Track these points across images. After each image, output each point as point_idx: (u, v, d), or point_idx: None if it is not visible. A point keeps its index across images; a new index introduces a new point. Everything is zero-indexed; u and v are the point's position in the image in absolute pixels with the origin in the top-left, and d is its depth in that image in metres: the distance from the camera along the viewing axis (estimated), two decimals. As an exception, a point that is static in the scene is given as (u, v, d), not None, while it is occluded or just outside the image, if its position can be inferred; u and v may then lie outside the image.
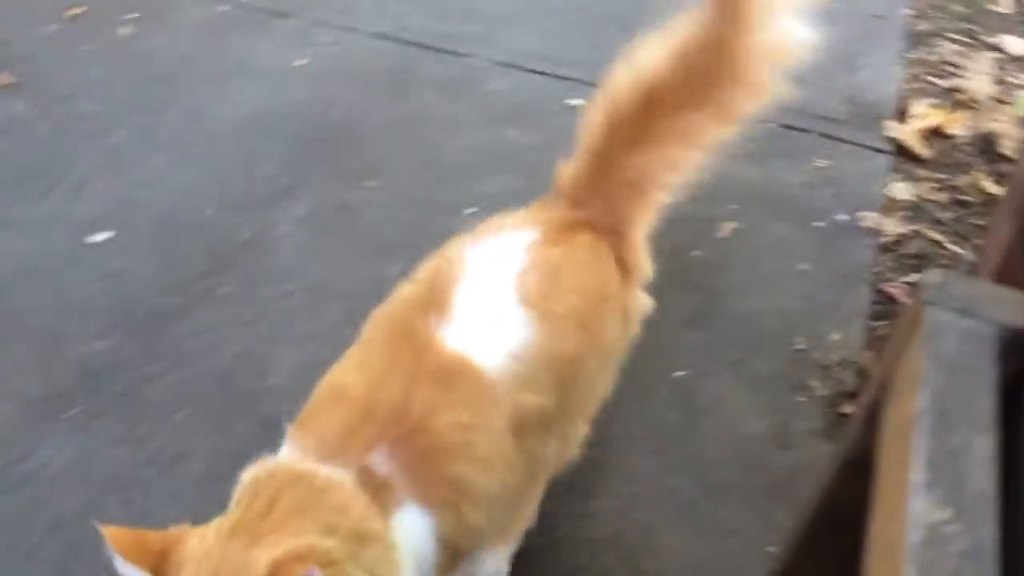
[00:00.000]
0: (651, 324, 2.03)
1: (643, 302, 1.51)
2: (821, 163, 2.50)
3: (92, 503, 1.68)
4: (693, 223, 2.27)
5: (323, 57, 2.96)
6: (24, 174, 2.48)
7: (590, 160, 1.41)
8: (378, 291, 2.10)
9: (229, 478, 1.74)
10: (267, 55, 2.95)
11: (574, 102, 2.75)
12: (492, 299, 1.26)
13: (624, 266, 1.42)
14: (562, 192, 1.44)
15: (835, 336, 1.98)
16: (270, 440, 1.78)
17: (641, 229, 1.45)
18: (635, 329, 1.51)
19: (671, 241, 2.22)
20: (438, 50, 2.99)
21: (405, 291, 1.34)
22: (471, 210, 2.37)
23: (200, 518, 1.63)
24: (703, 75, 1.33)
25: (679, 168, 1.41)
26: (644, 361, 1.93)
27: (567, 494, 1.65)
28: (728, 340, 1.98)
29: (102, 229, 2.30)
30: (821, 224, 2.29)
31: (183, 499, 1.69)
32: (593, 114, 1.40)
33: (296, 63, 2.92)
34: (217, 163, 2.53)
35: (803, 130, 2.60)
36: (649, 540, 1.61)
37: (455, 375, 1.19)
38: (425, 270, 1.35)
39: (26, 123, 2.67)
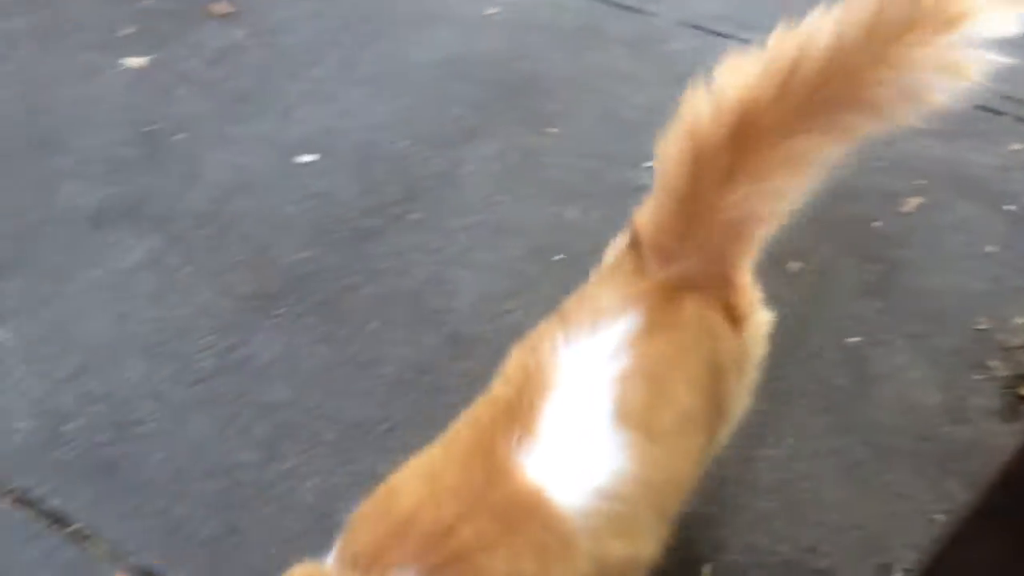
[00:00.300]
0: (826, 291, 2.04)
1: (761, 327, 1.30)
2: (1016, 146, 2.39)
3: (297, 392, 1.84)
4: (876, 194, 2.24)
5: (514, 8, 3.03)
6: (240, 97, 2.67)
7: (676, 203, 1.17)
8: (555, 232, 2.21)
9: (416, 385, 1.88)
10: (461, 4, 3.05)
11: (759, 67, 2.73)
12: (584, 417, 1.07)
13: (735, 314, 1.23)
14: (648, 244, 1.20)
15: (1019, 320, 1.92)
16: (454, 355, 1.92)
17: (748, 266, 1.26)
18: (761, 353, 1.32)
19: (852, 210, 2.20)
20: (625, 7, 3.01)
21: (496, 391, 1.17)
22: (648, 164, 2.40)
23: (391, 419, 1.78)
24: (821, 96, 1.10)
25: (789, 198, 1.18)
26: (817, 325, 1.94)
27: (734, 438, 1.68)
28: (906, 312, 1.95)
29: (308, 152, 2.46)
30: (1012, 208, 2.21)
31: (376, 398, 1.83)
32: (671, 149, 1.16)
33: (487, 12, 3.01)
34: (411, 100, 2.65)
35: (998, 112, 2.50)
36: (813, 492, 1.63)
37: (526, 513, 1.02)
38: (515, 366, 1.18)
39: (242, 50, 2.87)
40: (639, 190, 2.33)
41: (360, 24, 2.96)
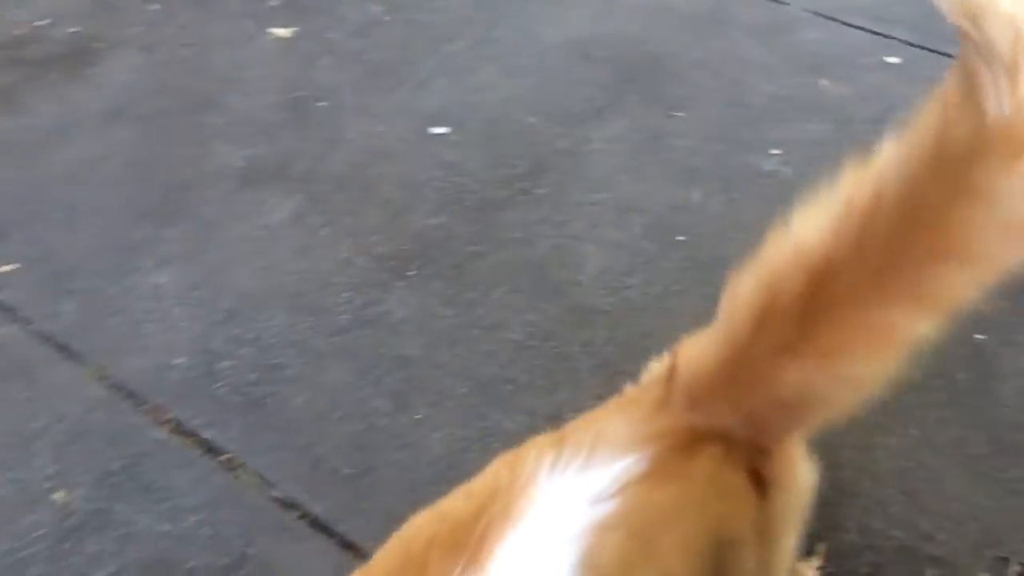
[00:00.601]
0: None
1: (800, 490, 1.07)
2: None
3: (428, 349, 1.93)
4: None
5: (644, -9, 3.05)
6: (379, 69, 2.78)
7: (729, 352, 0.97)
8: (677, 213, 2.23)
9: (539, 350, 1.94)
10: (592, -16, 3.08)
11: (892, 60, 2.67)
12: (542, 564, 0.87)
13: (763, 478, 1.01)
14: (683, 383, 1.00)
15: None
16: (576, 325, 1.97)
17: (797, 441, 1.05)
18: (799, 517, 1.11)
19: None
20: (756, -6, 2.99)
21: (451, 503, 0.95)
22: (775, 151, 2.40)
23: (515, 380, 1.85)
24: (903, 247, 0.86)
25: (863, 384, 0.94)
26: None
27: (853, 424, 1.69)
28: (1036, 313, 1.91)
29: (441, 124, 2.55)
30: None
31: (501, 359, 1.90)
32: (743, 289, 0.95)
33: (618, -6, 3.04)
34: (541, 78, 2.70)
35: None
36: (931, 482, 1.62)
37: None
38: (486, 480, 0.96)
39: (381, 25, 2.97)
40: (763, 176, 2.35)
41: (494, 3, 3.03)
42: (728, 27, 2.88)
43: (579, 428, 0.99)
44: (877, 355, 0.91)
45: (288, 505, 1.65)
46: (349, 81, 2.72)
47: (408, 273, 2.11)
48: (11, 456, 1.73)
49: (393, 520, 1.59)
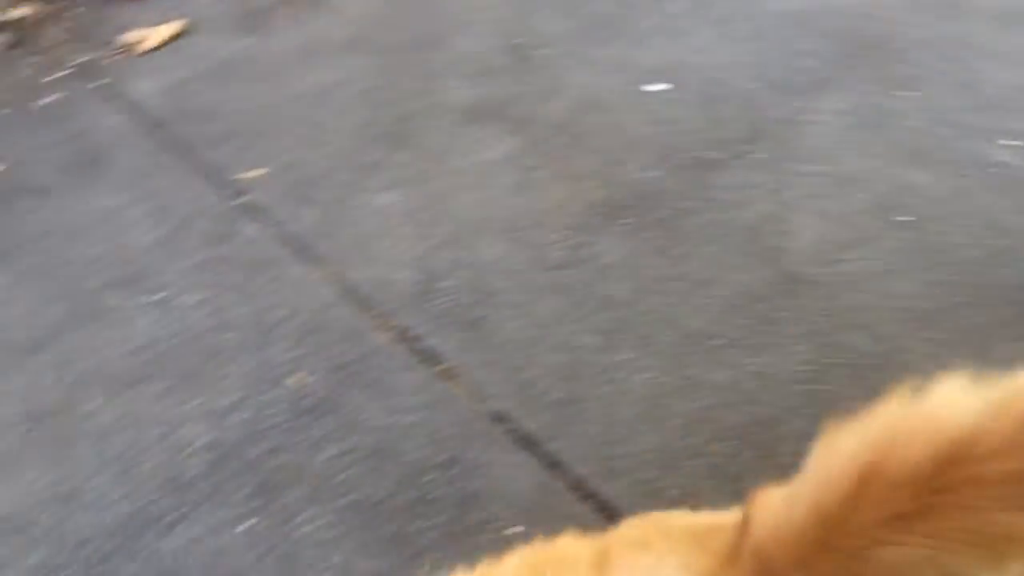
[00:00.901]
0: None
1: None
2: None
3: (636, 294, 1.96)
4: None
5: (876, -34, 2.91)
6: (599, 22, 2.80)
7: (819, 514, 0.78)
8: (901, 192, 2.15)
9: (748, 311, 1.93)
10: (821, -44, 2.98)
11: None
12: None
13: None
14: (755, 541, 0.83)
15: None
16: (786, 292, 1.95)
17: None
18: None
19: None
20: (1001, -22, 2.80)
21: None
22: (1008, 142, 2.26)
23: (722, 336, 1.85)
24: None
25: None
26: None
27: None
28: None
29: (657, 81, 2.54)
30: None
31: (708, 314, 1.90)
32: (843, 440, 0.78)
33: (847, -32, 2.92)
34: (762, 45, 2.65)
35: None
36: None
37: None
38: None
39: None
40: (993, 166, 2.22)
41: (718, -34, 2.98)
42: (964, 10, 2.72)
43: (625, 546, 0.87)
44: (994, 559, 0.76)
45: (498, 418, 1.73)
46: (568, 32, 2.76)
47: (620, 221, 2.14)
48: (255, 338, 1.89)
49: (597, 447, 1.66)
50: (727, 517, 0.90)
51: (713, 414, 1.70)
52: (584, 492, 1.58)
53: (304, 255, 2.06)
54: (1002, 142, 2.26)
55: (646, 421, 1.70)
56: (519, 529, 1.53)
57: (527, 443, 1.68)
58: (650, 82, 2.54)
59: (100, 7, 3.15)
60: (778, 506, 0.83)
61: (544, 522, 1.52)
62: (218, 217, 2.18)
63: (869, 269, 1.98)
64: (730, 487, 1.56)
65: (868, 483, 0.76)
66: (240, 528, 1.56)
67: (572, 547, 0.87)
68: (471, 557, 0.91)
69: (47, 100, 2.65)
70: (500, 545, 1.50)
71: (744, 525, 0.84)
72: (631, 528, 0.90)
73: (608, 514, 1.54)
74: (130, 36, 2.84)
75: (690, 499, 1.54)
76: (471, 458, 1.66)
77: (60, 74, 2.77)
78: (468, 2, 2.90)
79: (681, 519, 0.94)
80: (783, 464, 0.79)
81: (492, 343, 1.87)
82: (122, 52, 2.81)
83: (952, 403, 0.74)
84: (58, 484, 1.64)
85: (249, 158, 2.33)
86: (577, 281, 2.00)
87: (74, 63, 2.82)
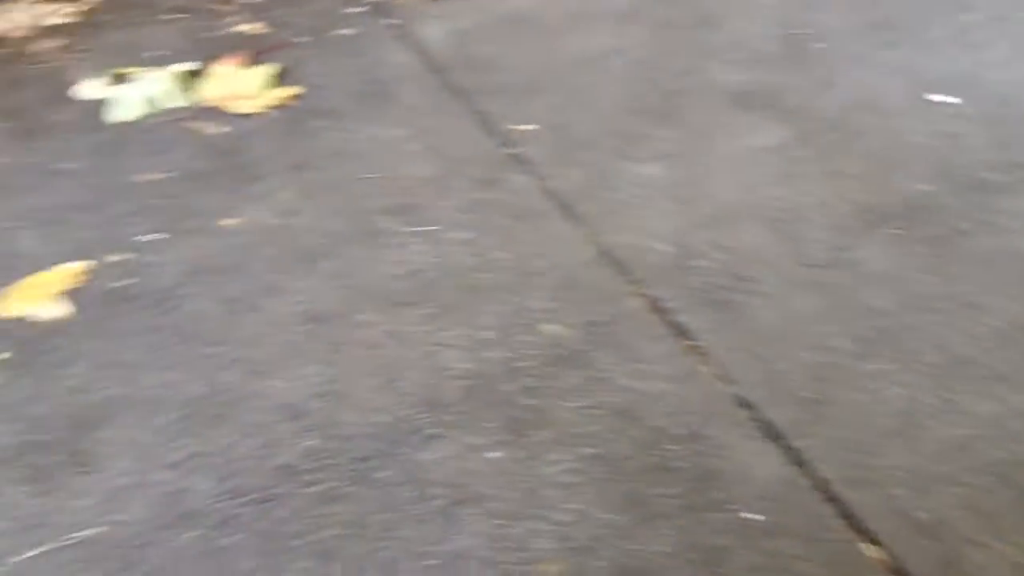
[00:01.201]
0: None
1: None
2: None
3: (901, 308, 1.87)
4: None
5: None
6: (882, 23, 2.66)
7: None
8: None
9: (1019, 343, 1.80)
10: None
11: None
12: None
13: None
14: None
15: None
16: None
17: None
18: None
19: None
20: None
21: None
22: None
23: (992, 367, 1.72)
24: None
25: None
26: None
27: None
28: None
29: (943, 92, 2.39)
30: None
31: (977, 342, 1.78)
32: None
33: None
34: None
35: None
36: None
37: None
38: None
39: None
40: None
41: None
42: None
43: None
44: None
45: (744, 404, 1.71)
46: (849, 29, 2.64)
47: (888, 230, 2.04)
48: (515, 283, 1.96)
49: (845, 452, 1.61)
50: None
51: (973, 444, 1.61)
52: (828, 494, 1.54)
53: (567, 212, 2.11)
54: None
55: (899, 437, 1.63)
56: (758, 517, 1.52)
57: (772, 434, 1.65)
58: (935, 92, 2.40)
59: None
60: None
61: (783, 515, 1.51)
62: (489, 163, 2.26)
63: None
64: (982, 523, 1.47)
65: None
66: (489, 455, 1.64)
67: None
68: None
69: (343, 32, 2.83)
70: (735, 527, 1.51)
71: None
72: None
73: (850, 521, 1.50)
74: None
75: (938, 526, 1.48)
76: (713, 437, 1.66)
77: (356, 9, 2.95)
78: (747, -14, 2.83)
79: None
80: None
81: (743, 329, 1.84)
82: (411, -5, 2.96)
83: None
84: (331, 382, 1.79)
85: (522, 112, 2.40)
86: (837, 282, 1.93)
87: (370, 0, 3.00)
